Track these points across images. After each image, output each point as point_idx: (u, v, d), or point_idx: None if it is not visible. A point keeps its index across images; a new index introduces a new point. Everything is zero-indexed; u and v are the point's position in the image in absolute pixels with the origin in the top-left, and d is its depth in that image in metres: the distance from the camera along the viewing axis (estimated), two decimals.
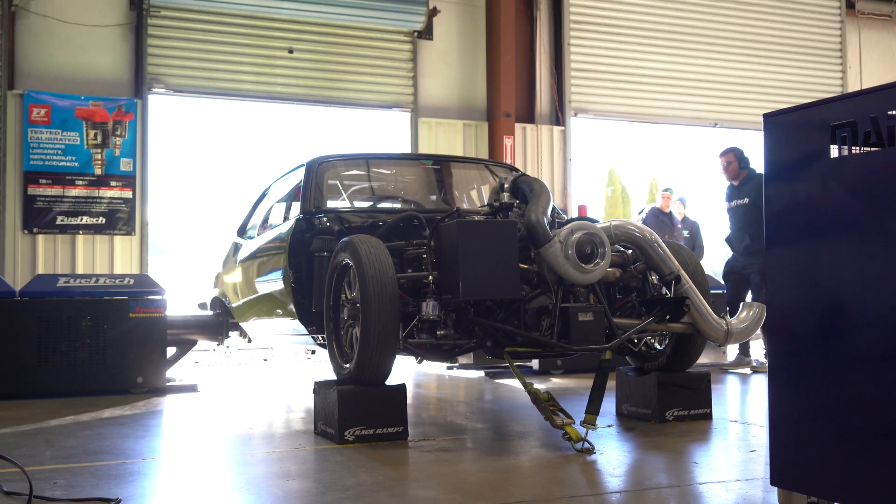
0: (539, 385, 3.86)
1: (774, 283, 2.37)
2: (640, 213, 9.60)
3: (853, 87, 11.89)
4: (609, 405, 4.44)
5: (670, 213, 9.41)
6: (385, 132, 10.20)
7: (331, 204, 4.92)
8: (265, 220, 5.74)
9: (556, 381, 6.20)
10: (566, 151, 10.58)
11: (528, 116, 10.52)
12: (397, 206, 5.29)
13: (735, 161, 7.40)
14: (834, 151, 2.18)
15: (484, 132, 10.19)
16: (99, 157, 8.64)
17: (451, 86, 10.24)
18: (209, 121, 11.55)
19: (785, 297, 2.34)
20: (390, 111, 9.98)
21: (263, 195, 6.07)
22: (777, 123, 2.38)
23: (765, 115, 2.41)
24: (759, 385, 6.05)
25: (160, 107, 9.20)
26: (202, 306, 7.05)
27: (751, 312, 4.01)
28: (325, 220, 4.43)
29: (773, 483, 2.35)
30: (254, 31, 9.38)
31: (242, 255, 5.81)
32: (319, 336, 4.55)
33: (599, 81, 10.84)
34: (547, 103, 10.65)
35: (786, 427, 2.31)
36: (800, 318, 2.29)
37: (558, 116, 10.61)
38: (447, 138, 10.03)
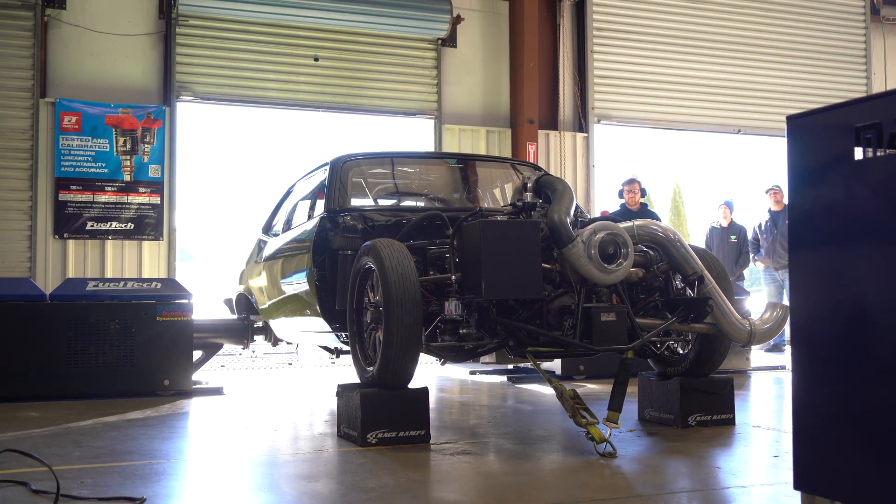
0: None
1: (799, 286, 2.36)
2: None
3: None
4: (631, 410, 4.42)
5: None
6: (409, 139, 10.25)
7: (355, 202, 4.93)
8: (290, 218, 5.77)
9: (578, 386, 6.18)
10: (589, 158, 10.56)
11: (552, 123, 10.51)
12: (421, 204, 5.30)
13: (638, 192, 8.48)
14: (858, 153, 2.17)
15: (507, 139, 10.20)
16: (128, 163, 8.79)
17: (475, 93, 10.27)
18: (235, 128, 11.71)
19: (809, 301, 2.32)
20: (414, 118, 10.03)
21: (288, 193, 6.10)
22: (801, 126, 2.37)
23: (788, 118, 2.40)
24: (783, 391, 5.99)
25: (188, 114, 9.34)
26: (227, 302, 7.13)
27: (774, 313, 3.98)
28: (349, 218, 4.45)
29: (796, 487, 2.33)
30: (279, 39, 9.47)
31: (267, 252, 5.86)
32: (343, 333, 4.57)
33: (623, 88, 10.80)
34: (570, 110, 10.64)
35: (810, 431, 2.29)
36: (824, 321, 2.27)
37: (581, 123, 10.60)
38: (471, 145, 10.05)
